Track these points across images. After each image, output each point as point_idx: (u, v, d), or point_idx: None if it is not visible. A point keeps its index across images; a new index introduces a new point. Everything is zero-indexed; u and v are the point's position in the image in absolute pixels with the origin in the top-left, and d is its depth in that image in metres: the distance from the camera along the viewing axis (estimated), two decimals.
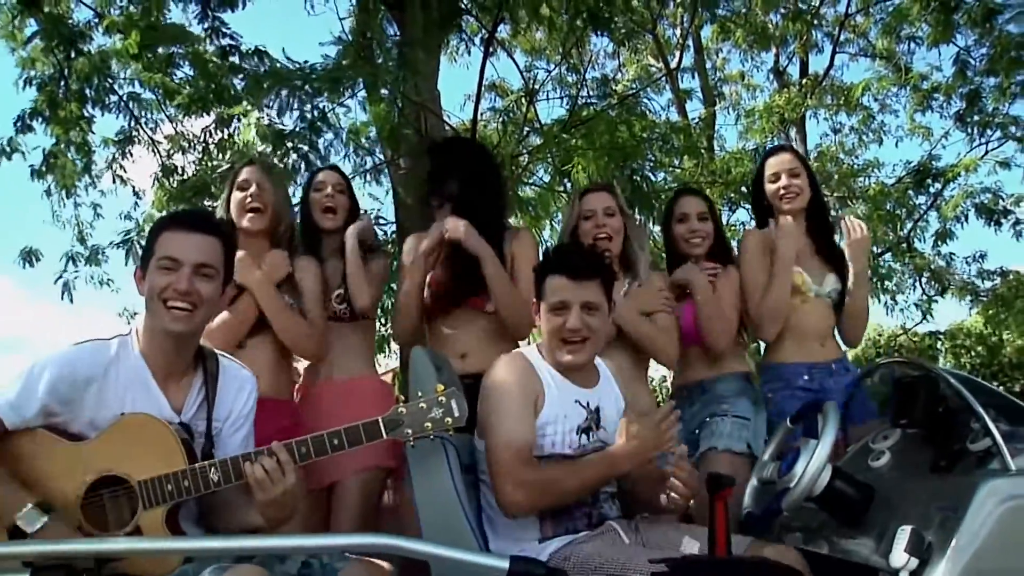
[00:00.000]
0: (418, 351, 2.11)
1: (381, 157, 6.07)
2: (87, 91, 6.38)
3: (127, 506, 1.81)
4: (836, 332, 3.16)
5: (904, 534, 1.82)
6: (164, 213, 6.87)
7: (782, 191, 3.08)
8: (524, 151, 6.59)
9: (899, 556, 1.80)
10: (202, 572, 1.70)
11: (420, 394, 1.85)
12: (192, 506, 1.93)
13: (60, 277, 7.24)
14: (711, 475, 1.91)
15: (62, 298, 7.22)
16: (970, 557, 1.75)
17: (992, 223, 8.96)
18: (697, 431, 2.95)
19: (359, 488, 2.65)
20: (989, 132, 8.82)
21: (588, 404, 2.18)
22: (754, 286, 3.03)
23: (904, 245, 9.84)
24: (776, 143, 8.88)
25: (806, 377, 3.01)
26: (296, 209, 3.10)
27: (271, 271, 2.68)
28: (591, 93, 7.01)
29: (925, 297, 10.38)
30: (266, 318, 2.66)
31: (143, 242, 6.87)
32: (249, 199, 2.74)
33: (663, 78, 9.53)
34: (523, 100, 7.18)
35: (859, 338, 3.20)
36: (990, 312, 10.62)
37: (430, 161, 2.98)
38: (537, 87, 7.29)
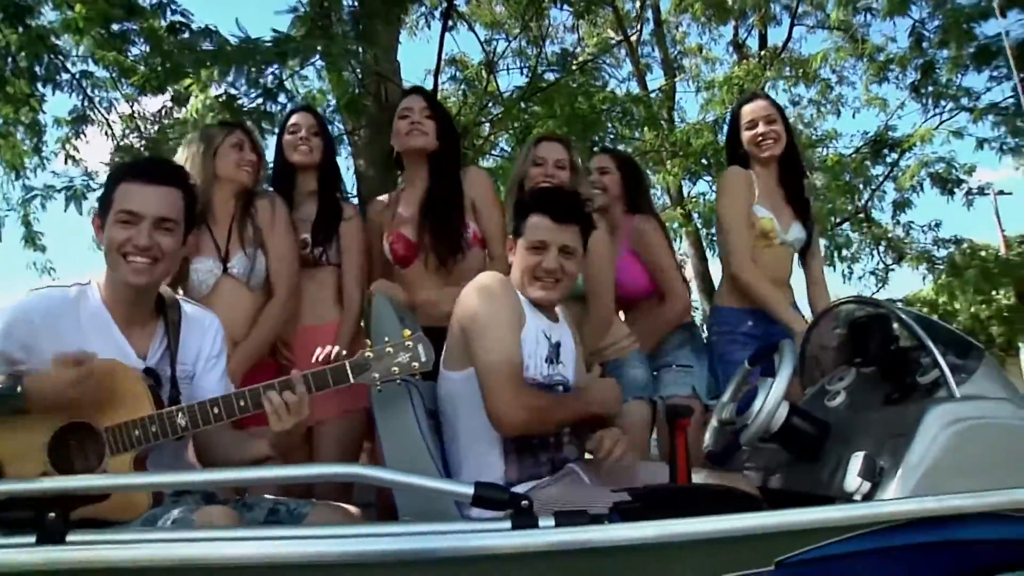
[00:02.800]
0: (381, 300, 2.12)
1: (340, 127, 6.03)
2: (36, 68, 6.24)
3: (94, 453, 1.81)
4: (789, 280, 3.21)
5: (857, 460, 1.87)
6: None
7: (759, 138, 3.06)
8: (484, 120, 6.60)
9: (853, 480, 1.85)
10: (170, 513, 1.72)
11: (386, 339, 1.87)
12: (163, 453, 1.93)
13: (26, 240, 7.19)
14: (670, 406, 1.96)
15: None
16: (919, 477, 1.81)
17: (946, 192, 9.16)
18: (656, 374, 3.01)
19: (338, 430, 2.67)
20: (943, 103, 9.00)
21: (551, 337, 2.22)
22: (730, 222, 3.04)
23: (862, 215, 10.03)
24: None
25: (750, 323, 3.05)
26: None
27: None
28: (551, 64, 7.01)
29: (882, 266, 10.60)
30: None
31: (87, 192, 6.73)
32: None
33: (622, 48, 9.55)
34: (483, 72, 7.18)
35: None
36: (942, 280, 10.85)
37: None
38: (497, 59, 7.28)
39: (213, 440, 1.96)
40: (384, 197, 3.04)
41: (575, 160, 2.96)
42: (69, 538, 1.51)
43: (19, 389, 1.73)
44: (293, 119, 2.99)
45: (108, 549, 1.51)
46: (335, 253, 2.89)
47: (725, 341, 3.06)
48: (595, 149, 3.62)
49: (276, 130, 4.99)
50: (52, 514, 1.53)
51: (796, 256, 3.20)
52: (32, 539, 1.51)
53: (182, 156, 2.80)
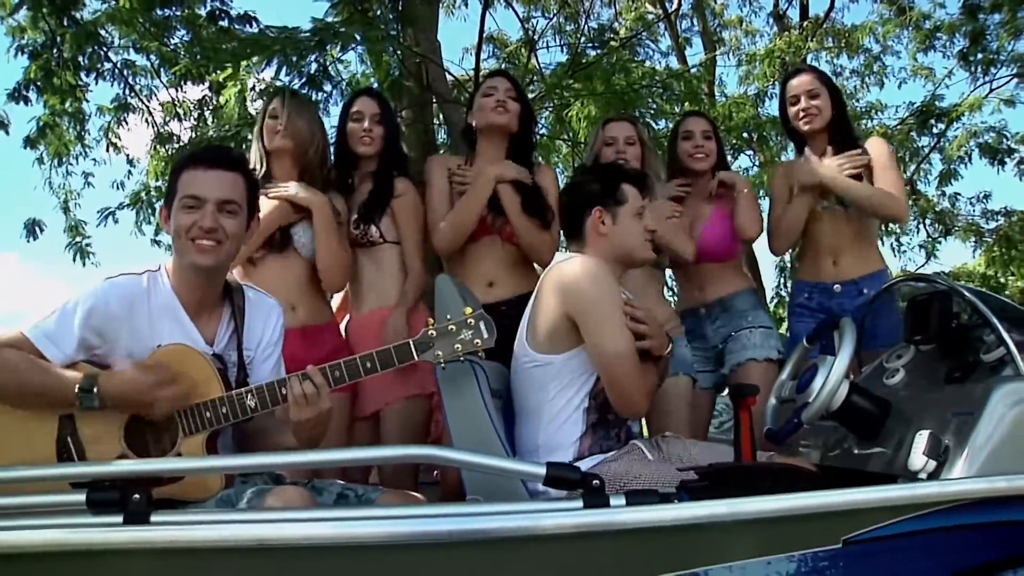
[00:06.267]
0: (443, 279, 2.14)
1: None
2: (80, 59, 6.35)
3: (167, 435, 1.87)
4: (860, 248, 3.18)
5: (922, 438, 1.87)
6: (159, 182, 6.96)
7: (801, 113, 3.12)
8: None
9: (918, 459, 1.84)
10: (244, 494, 1.77)
11: (448, 316, 1.89)
12: (227, 435, 1.99)
13: (71, 245, 7.33)
14: (734, 385, 1.97)
15: (74, 260, 7.41)
16: (986, 456, 1.79)
17: (996, 163, 8.94)
18: (721, 345, 3.09)
19: (402, 415, 2.70)
20: (993, 70, 8.77)
21: None
22: (774, 210, 3.23)
23: (908, 187, 9.83)
24: (775, 86, 8.83)
25: (806, 295, 3.13)
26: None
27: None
28: (590, 41, 6.96)
29: (929, 239, 10.40)
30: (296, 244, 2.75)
31: (152, 201, 6.89)
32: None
33: (661, 23, 9.44)
34: (523, 50, 7.15)
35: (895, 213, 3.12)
36: (994, 253, 10.59)
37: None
38: (537, 37, 7.25)
39: (253, 426, 1.99)
40: (450, 161, 3.05)
41: (643, 135, 3.05)
42: (153, 519, 1.56)
43: (95, 390, 1.80)
44: (356, 105, 2.97)
45: (191, 529, 1.56)
46: (391, 230, 2.88)
47: (789, 313, 3.22)
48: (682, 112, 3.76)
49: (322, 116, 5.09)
50: (136, 495, 1.58)
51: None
52: (118, 519, 1.57)
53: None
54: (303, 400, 1.80)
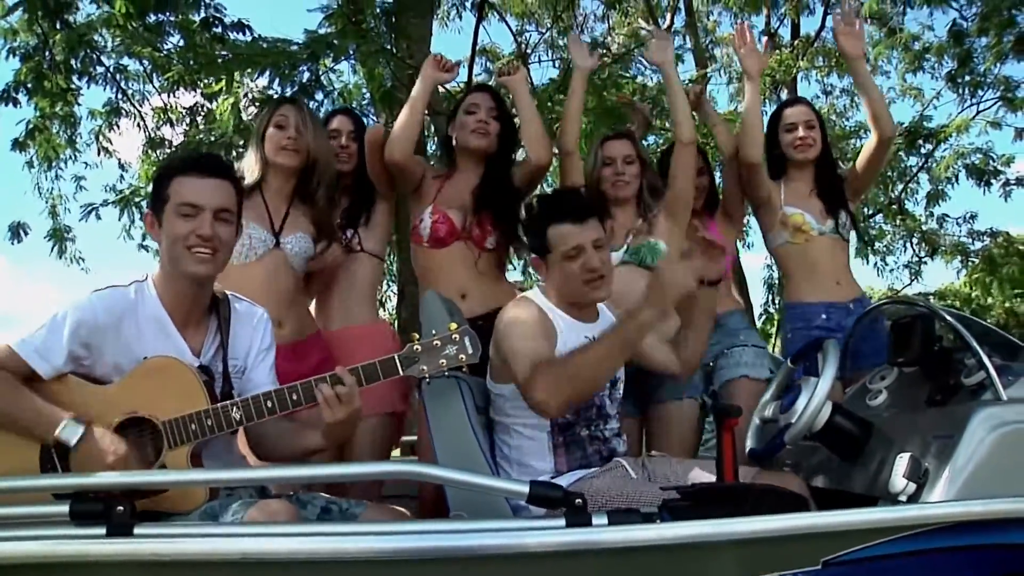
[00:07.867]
0: (430, 294, 2.15)
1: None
2: (72, 62, 6.35)
3: (152, 446, 1.86)
4: (850, 272, 3.24)
5: (903, 461, 1.89)
6: (150, 186, 6.94)
7: (797, 141, 3.13)
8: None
9: (898, 482, 1.87)
10: (229, 507, 1.77)
11: (434, 332, 1.90)
12: (215, 446, 1.98)
13: (51, 235, 7.34)
14: (718, 406, 1.98)
15: (51, 253, 7.48)
16: (965, 479, 1.82)
17: (982, 184, 9.05)
18: (712, 363, 3.05)
19: (370, 432, 2.67)
20: (980, 92, 8.89)
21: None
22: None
23: (895, 207, 9.94)
24: (768, 104, 8.91)
25: (824, 316, 3.08)
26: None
27: None
28: None
29: (915, 258, 10.49)
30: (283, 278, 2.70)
31: (140, 200, 6.83)
32: (287, 140, 2.70)
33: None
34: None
35: (888, 123, 3.18)
36: (976, 275, 10.67)
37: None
38: (529, 51, 7.29)
39: (267, 431, 1.99)
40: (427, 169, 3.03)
41: (640, 151, 2.99)
42: (137, 531, 1.57)
43: (80, 434, 1.77)
44: (333, 123, 3.01)
45: (175, 542, 1.57)
46: (373, 242, 2.92)
47: (802, 336, 3.03)
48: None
49: None
50: (120, 507, 1.58)
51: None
52: (102, 531, 1.57)
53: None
54: (336, 401, 1.81)
